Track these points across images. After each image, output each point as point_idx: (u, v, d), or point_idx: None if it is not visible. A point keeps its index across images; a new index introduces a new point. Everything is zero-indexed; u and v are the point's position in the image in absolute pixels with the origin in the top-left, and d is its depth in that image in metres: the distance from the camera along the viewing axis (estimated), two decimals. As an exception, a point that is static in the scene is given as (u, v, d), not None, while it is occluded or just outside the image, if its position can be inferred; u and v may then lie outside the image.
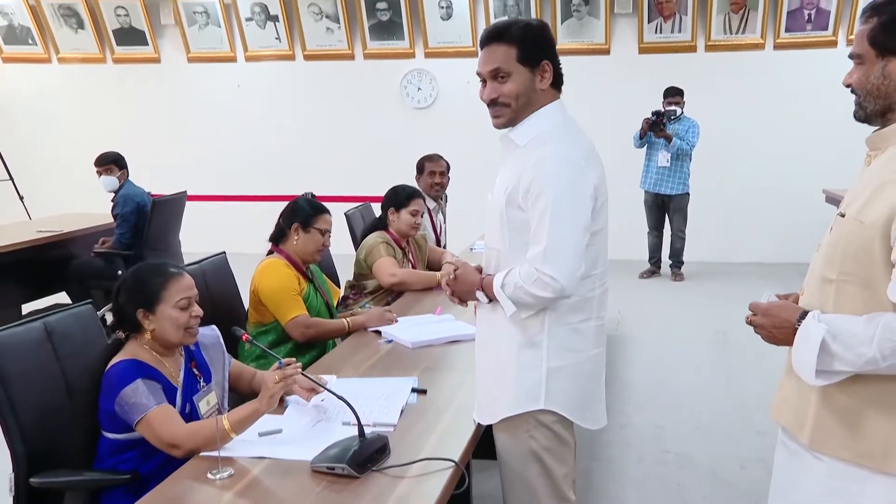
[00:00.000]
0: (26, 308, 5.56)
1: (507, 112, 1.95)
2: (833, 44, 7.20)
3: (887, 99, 1.53)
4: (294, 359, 2.12)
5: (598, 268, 1.99)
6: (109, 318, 2.25)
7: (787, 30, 7.27)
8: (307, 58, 8.09)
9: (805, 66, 7.26)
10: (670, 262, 7.14)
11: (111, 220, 5.50)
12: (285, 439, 2.03)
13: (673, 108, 6.70)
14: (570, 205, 1.86)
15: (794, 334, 1.53)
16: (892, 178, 1.47)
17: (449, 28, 7.71)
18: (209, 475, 1.84)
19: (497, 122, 1.98)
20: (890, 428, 1.50)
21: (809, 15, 7.20)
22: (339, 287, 3.86)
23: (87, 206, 6.95)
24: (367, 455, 1.84)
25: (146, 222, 5.36)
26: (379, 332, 3.03)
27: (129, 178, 5.53)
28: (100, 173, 5.43)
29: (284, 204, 3.24)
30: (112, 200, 5.45)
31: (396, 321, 3.10)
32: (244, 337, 2.23)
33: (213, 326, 2.39)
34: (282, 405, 2.23)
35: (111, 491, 2.06)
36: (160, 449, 2.00)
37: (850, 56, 1.58)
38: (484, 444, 2.13)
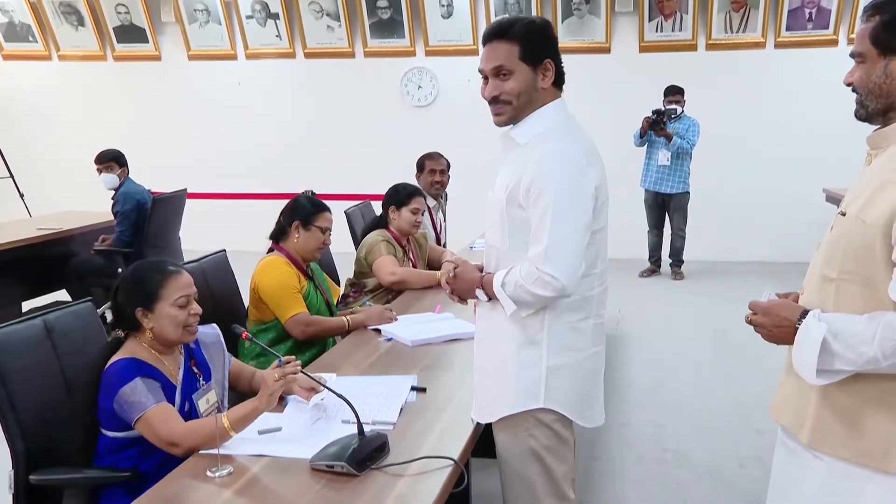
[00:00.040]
0: (26, 305, 5.54)
1: (509, 110, 1.95)
2: (834, 43, 7.19)
3: (889, 98, 1.53)
4: (294, 357, 2.12)
5: (598, 266, 1.99)
6: (109, 315, 2.25)
7: (787, 29, 7.26)
8: (308, 56, 8.08)
9: (806, 65, 7.26)
10: (670, 260, 7.14)
11: (111, 217, 5.50)
12: (285, 437, 2.03)
13: (673, 106, 6.69)
14: (572, 204, 1.86)
15: (795, 333, 1.53)
16: (893, 177, 1.47)
17: (449, 26, 7.70)
18: (208, 473, 1.84)
19: (498, 119, 1.98)
20: (890, 427, 1.50)
21: (810, 14, 7.20)
22: (339, 285, 3.86)
23: (87, 203, 6.92)
24: (366, 453, 1.84)
25: (146, 220, 5.36)
26: (379, 331, 3.03)
27: (130, 175, 5.53)
28: (100, 171, 5.43)
29: (285, 202, 3.24)
30: (112, 198, 5.45)
31: (396, 319, 3.10)
32: (244, 334, 2.23)
33: (214, 325, 2.39)
34: (281, 403, 2.22)
35: (110, 488, 2.06)
36: (159, 447, 2.00)
37: (852, 55, 1.58)
38: (483, 442, 2.13)
